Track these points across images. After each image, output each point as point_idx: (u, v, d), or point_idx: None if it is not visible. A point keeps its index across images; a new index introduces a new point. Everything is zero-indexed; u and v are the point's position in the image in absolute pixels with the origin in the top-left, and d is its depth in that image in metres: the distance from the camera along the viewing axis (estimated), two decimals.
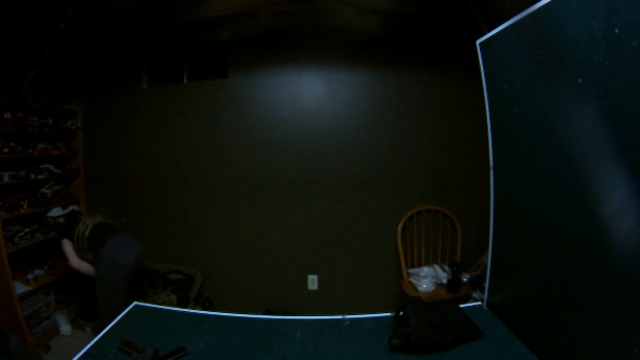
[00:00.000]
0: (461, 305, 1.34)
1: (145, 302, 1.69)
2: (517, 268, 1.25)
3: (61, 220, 2.41)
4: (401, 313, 1.15)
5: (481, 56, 1.33)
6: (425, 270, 2.42)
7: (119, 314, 1.35)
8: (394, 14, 2.36)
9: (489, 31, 1.25)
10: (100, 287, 2.07)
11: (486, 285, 1.41)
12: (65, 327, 2.50)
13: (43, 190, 2.70)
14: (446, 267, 2.39)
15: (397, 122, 2.57)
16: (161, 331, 1.21)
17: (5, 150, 2.35)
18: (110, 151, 2.90)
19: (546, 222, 1.07)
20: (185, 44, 2.75)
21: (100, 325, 1.97)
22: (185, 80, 2.84)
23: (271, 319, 1.33)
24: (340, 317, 1.29)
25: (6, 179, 2.36)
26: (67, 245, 2.17)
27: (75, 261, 2.14)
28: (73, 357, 1.03)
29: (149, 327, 1.24)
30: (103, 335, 1.17)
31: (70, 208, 2.84)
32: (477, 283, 2.32)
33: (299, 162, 2.62)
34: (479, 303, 1.43)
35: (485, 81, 1.33)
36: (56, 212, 2.70)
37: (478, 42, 1.32)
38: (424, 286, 2.34)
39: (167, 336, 1.16)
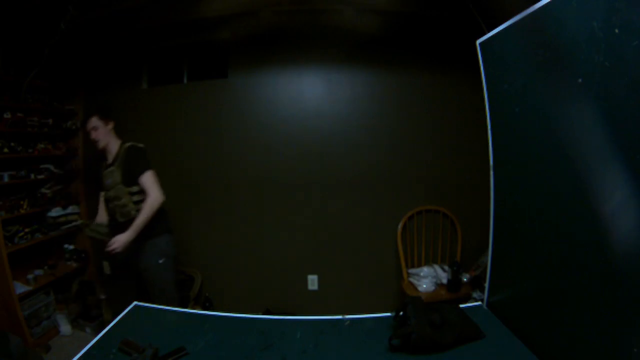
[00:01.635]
0: (461, 305, 1.34)
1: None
2: (517, 268, 1.25)
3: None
4: (401, 313, 1.15)
5: (481, 56, 1.33)
6: (425, 270, 2.42)
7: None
8: (394, 14, 2.36)
9: (489, 31, 1.25)
10: (163, 275, 1.95)
11: (486, 285, 1.41)
12: (65, 327, 2.50)
13: (43, 190, 2.70)
14: (446, 267, 2.39)
15: (397, 122, 2.57)
16: (161, 331, 1.21)
17: (5, 150, 2.35)
18: None
19: (546, 222, 1.07)
20: (185, 44, 2.75)
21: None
22: (185, 80, 2.84)
23: (271, 319, 1.33)
24: (340, 317, 1.29)
25: (6, 179, 2.36)
26: (153, 176, 1.92)
27: (160, 194, 1.92)
28: (73, 357, 1.03)
29: (149, 327, 1.24)
30: (103, 335, 1.17)
31: (70, 209, 2.85)
32: (477, 283, 2.31)
33: (299, 162, 2.62)
34: (479, 303, 1.42)
35: (485, 81, 1.33)
36: (56, 212, 2.71)
37: (478, 42, 1.32)
38: (424, 286, 2.34)
39: (167, 336, 1.16)
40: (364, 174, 2.58)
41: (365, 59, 2.55)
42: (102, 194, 2.07)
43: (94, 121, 1.96)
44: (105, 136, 1.97)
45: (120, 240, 1.81)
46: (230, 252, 2.76)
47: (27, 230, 2.48)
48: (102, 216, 2.11)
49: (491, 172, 1.36)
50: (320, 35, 2.53)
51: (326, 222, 2.65)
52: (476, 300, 1.69)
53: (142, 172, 1.90)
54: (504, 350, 1.08)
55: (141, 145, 2.01)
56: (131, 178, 1.91)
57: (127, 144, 1.99)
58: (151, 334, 1.17)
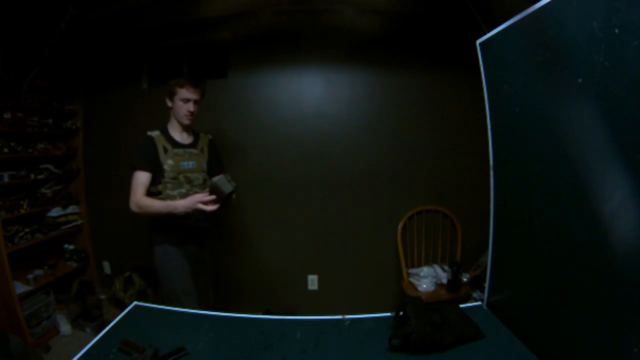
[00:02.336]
0: (461, 305, 1.34)
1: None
2: (517, 268, 1.25)
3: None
4: (401, 313, 1.15)
5: (481, 56, 1.33)
6: (425, 270, 2.42)
7: None
8: (394, 14, 2.36)
9: (489, 31, 1.25)
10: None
11: (486, 285, 1.41)
12: (65, 327, 2.50)
13: (43, 190, 2.70)
14: (446, 267, 2.39)
15: (397, 122, 2.57)
16: (161, 331, 1.21)
17: (5, 150, 2.35)
18: (110, 151, 2.90)
19: (546, 222, 1.07)
20: (185, 44, 2.74)
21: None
22: None
23: (271, 319, 1.33)
24: (340, 317, 1.29)
25: (6, 179, 2.36)
26: None
27: None
28: (73, 357, 1.03)
29: (149, 327, 1.24)
30: (103, 335, 1.17)
31: (70, 209, 2.85)
32: (477, 283, 2.32)
33: (299, 162, 2.62)
34: (479, 303, 1.42)
35: (485, 81, 1.33)
36: (56, 212, 2.71)
37: (478, 42, 1.32)
38: (424, 286, 2.34)
39: (167, 336, 1.16)
40: (364, 174, 2.58)
41: (365, 59, 2.55)
42: (145, 175, 1.67)
43: (200, 94, 1.78)
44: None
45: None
46: (230, 252, 2.76)
47: (27, 230, 2.48)
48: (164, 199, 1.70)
49: (491, 172, 1.36)
50: (320, 35, 2.53)
51: (326, 222, 2.65)
52: (476, 300, 1.69)
53: (223, 170, 1.94)
54: (504, 350, 1.08)
55: None
56: (210, 172, 1.87)
57: (208, 135, 1.94)
58: (151, 334, 1.17)
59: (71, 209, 2.83)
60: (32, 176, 2.56)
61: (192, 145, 1.82)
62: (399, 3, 2.26)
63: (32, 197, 2.59)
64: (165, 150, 1.72)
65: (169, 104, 1.77)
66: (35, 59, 2.38)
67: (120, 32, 2.51)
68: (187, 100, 1.72)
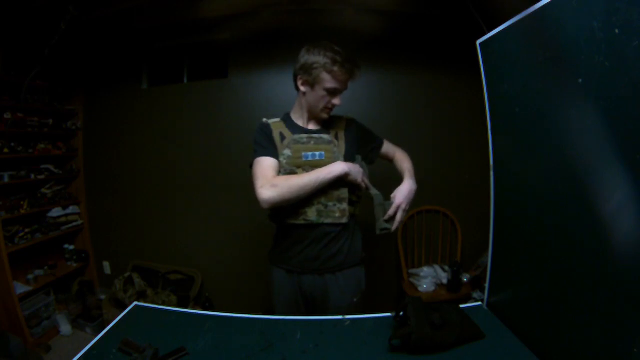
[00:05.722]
0: (461, 305, 1.34)
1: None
2: (517, 268, 1.25)
3: None
4: (401, 313, 1.15)
5: (481, 56, 1.32)
6: (425, 270, 2.42)
7: None
8: (394, 14, 2.36)
9: (489, 31, 1.25)
10: None
11: (486, 285, 1.41)
12: (65, 327, 2.50)
13: (43, 190, 2.71)
14: (446, 267, 2.39)
15: (397, 122, 2.57)
16: (161, 331, 1.21)
17: (5, 150, 2.35)
18: (110, 151, 2.90)
19: (546, 222, 1.07)
20: (185, 44, 2.75)
21: None
22: (185, 80, 2.84)
23: (271, 319, 1.33)
24: (340, 317, 1.29)
25: (6, 179, 2.37)
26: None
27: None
28: (73, 357, 1.03)
29: (149, 327, 1.23)
30: (103, 335, 1.17)
31: (70, 209, 2.85)
32: (477, 283, 2.32)
33: None
34: (479, 303, 1.42)
35: (485, 81, 1.33)
36: (56, 212, 2.71)
37: (478, 42, 1.32)
38: (424, 286, 2.34)
39: (167, 336, 1.16)
40: None
41: (365, 59, 2.52)
42: (269, 159, 1.30)
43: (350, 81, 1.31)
44: None
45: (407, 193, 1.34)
46: (230, 252, 2.76)
47: (27, 230, 2.48)
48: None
49: (491, 172, 1.36)
50: (320, 35, 2.52)
51: None
52: (476, 300, 1.69)
53: (377, 149, 1.50)
54: (504, 350, 1.08)
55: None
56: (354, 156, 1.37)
57: (346, 115, 1.46)
58: (151, 334, 1.16)
59: (71, 209, 2.84)
60: (32, 176, 2.57)
61: (321, 130, 1.36)
62: (399, 3, 2.26)
63: (32, 197, 2.60)
64: (282, 138, 1.31)
65: (302, 88, 1.32)
66: (35, 59, 2.38)
67: (120, 32, 2.52)
68: (333, 91, 1.28)
